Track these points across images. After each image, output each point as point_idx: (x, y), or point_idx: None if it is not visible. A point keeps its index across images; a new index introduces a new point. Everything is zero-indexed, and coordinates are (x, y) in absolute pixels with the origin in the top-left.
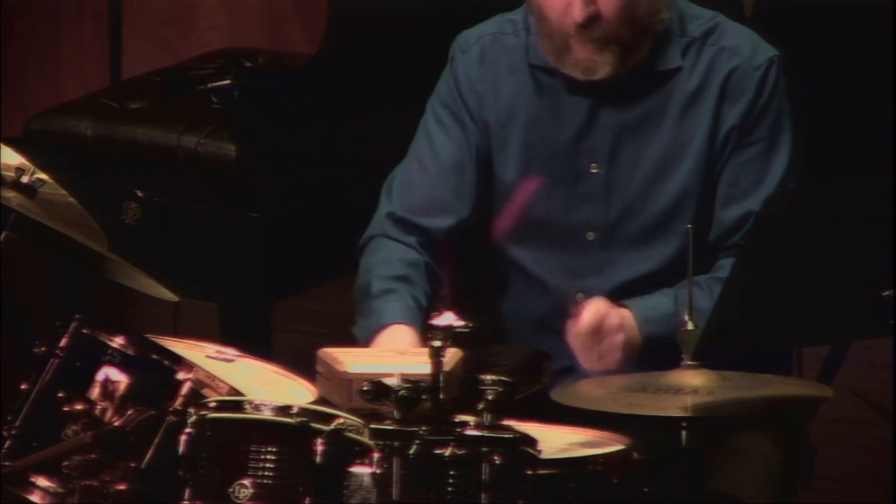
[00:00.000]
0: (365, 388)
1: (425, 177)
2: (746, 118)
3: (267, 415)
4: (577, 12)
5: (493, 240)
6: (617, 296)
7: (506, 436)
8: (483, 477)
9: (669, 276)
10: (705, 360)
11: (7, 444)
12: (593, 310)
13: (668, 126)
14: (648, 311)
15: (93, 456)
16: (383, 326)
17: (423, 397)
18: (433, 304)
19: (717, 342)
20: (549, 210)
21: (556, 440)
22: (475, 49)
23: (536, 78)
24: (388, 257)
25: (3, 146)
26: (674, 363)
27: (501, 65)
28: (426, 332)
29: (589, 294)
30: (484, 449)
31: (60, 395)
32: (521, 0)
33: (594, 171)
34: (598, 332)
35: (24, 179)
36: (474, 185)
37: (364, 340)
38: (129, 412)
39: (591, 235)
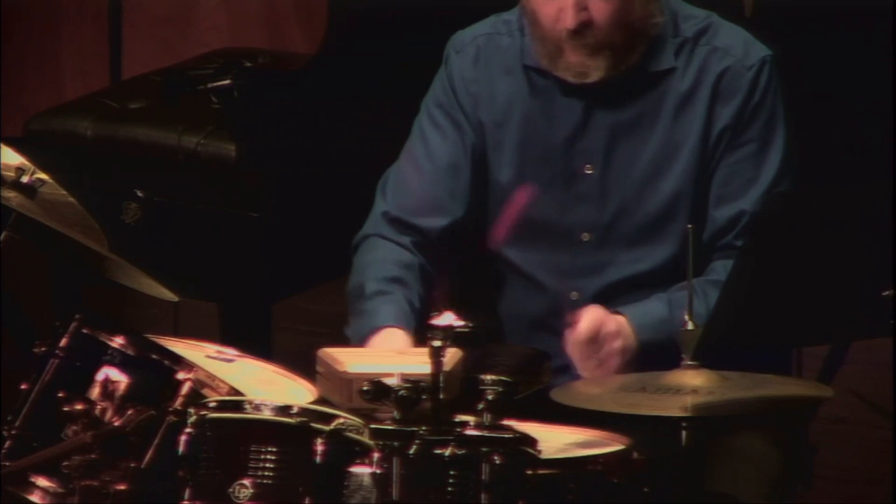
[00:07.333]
0: (365, 388)
1: (420, 177)
2: (738, 118)
3: (267, 415)
4: (570, 19)
5: (489, 242)
6: (612, 296)
7: (506, 436)
8: (483, 477)
9: (664, 276)
10: (705, 360)
11: (7, 444)
12: (590, 317)
13: (662, 127)
14: (644, 317)
15: (93, 456)
16: (377, 329)
17: (423, 397)
18: (427, 306)
19: (717, 342)
20: (544, 211)
21: (556, 440)
22: (470, 49)
23: (530, 79)
24: (382, 258)
25: (3, 146)
26: (674, 363)
27: (496, 65)
28: (421, 334)
29: (584, 293)
30: (484, 449)
31: (60, 395)
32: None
33: (588, 171)
34: (596, 339)
35: (24, 179)
36: (469, 186)
37: (357, 342)
38: (129, 412)
39: (586, 236)
